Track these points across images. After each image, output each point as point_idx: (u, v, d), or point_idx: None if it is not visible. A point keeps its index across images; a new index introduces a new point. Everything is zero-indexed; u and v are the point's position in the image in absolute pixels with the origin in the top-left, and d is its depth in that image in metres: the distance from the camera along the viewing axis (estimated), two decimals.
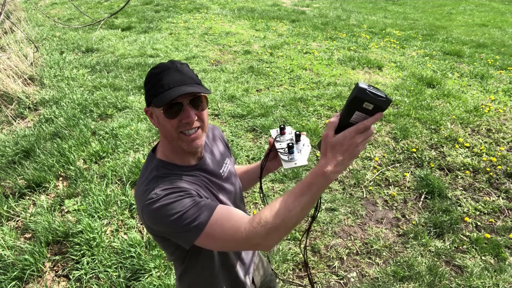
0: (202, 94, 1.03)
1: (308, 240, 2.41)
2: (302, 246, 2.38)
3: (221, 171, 1.19)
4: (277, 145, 1.20)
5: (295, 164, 1.13)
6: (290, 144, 1.14)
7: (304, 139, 1.20)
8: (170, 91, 0.98)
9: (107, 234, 2.69)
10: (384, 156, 3.47)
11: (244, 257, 1.30)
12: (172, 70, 1.01)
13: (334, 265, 2.44)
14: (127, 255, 2.45)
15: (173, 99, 0.97)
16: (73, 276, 2.36)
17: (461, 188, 3.09)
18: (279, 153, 1.17)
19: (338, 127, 0.86)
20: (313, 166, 3.10)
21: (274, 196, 3.00)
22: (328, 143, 0.85)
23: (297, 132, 1.19)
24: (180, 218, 0.93)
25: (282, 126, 1.23)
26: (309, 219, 2.73)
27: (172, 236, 1.00)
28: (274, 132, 1.26)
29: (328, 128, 0.86)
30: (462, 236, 2.63)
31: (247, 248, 1.00)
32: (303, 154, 1.15)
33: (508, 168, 3.23)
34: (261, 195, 1.33)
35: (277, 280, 2.26)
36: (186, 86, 0.99)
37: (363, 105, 0.80)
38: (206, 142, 1.22)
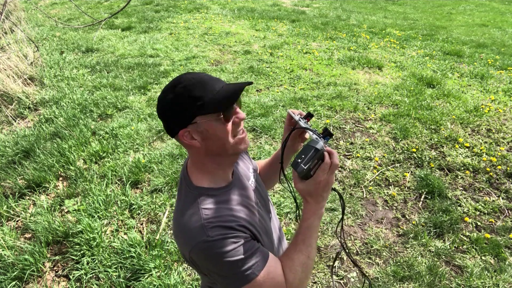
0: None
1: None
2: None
3: (250, 182, 1.11)
4: (302, 124, 1.07)
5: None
6: (329, 131, 1.02)
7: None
8: (224, 91, 0.90)
9: (107, 234, 2.69)
10: (384, 156, 3.47)
11: None
12: (199, 77, 0.91)
13: (334, 265, 2.44)
14: (127, 255, 2.45)
15: (235, 93, 0.89)
16: (73, 276, 2.36)
17: (461, 188, 3.09)
18: (309, 132, 1.02)
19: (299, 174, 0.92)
20: None
21: (273, 196, 3.00)
22: (303, 192, 0.93)
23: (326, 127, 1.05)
24: (233, 264, 0.87)
25: (311, 113, 1.12)
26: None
27: (218, 276, 0.92)
28: (292, 112, 1.13)
29: (295, 182, 0.94)
30: (462, 236, 2.63)
31: None
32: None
33: (508, 168, 3.23)
34: (284, 177, 1.19)
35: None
36: (232, 84, 0.92)
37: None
38: None
